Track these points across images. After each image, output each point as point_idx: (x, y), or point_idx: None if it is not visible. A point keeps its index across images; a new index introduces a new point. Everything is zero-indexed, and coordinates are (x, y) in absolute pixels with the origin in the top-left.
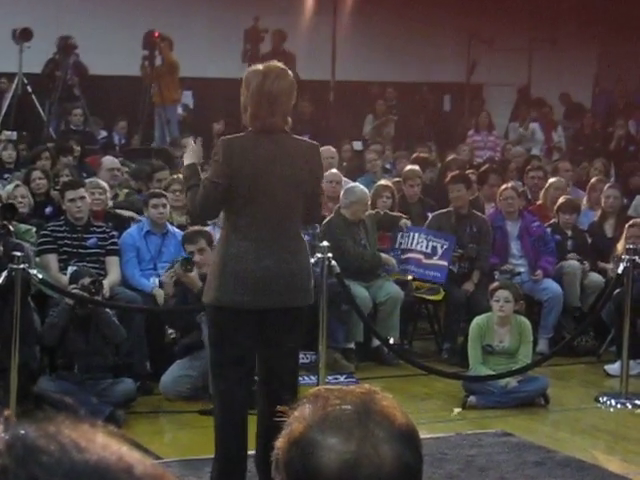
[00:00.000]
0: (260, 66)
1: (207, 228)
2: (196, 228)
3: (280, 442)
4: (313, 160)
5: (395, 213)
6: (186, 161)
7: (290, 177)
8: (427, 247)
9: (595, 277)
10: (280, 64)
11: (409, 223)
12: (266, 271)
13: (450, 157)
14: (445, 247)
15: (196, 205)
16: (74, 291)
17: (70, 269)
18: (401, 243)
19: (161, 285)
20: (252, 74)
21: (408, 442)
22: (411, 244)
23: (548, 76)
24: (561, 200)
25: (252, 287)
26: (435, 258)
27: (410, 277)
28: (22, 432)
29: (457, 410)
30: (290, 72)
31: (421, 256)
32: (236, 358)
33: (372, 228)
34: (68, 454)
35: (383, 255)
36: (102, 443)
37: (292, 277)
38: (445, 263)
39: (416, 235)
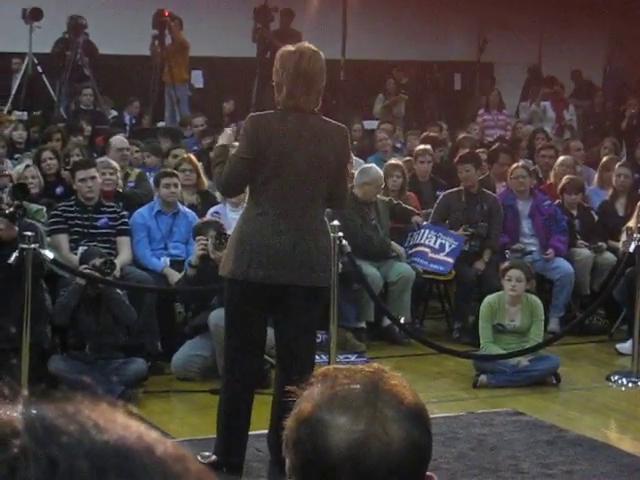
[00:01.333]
0: (292, 47)
1: (217, 207)
2: (205, 219)
3: (289, 421)
4: (340, 142)
5: (408, 207)
6: (219, 142)
7: (315, 157)
8: (435, 243)
9: (606, 255)
10: (312, 46)
11: (421, 220)
12: (282, 247)
13: (461, 136)
14: (453, 246)
15: (223, 180)
16: (85, 271)
17: (81, 249)
18: (410, 241)
19: (172, 264)
20: (288, 54)
21: (417, 421)
22: (420, 239)
23: (559, 55)
24: (564, 181)
25: (266, 262)
26: (442, 254)
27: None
28: (41, 412)
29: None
30: (322, 54)
31: (428, 250)
32: (245, 332)
33: (384, 212)
34: (88, 434)
35: (393, 243)
36: (122, 423)
37: (308, 256)
38: (451, 260)
39: (426, 232)
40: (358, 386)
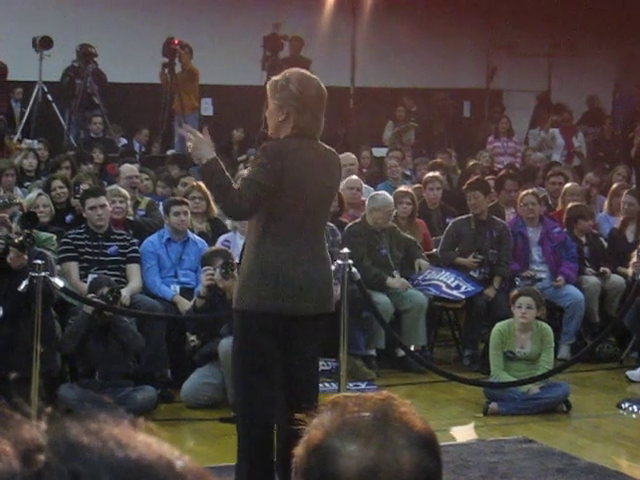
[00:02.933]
0: (303, 72)
1: (228, 235)
2: (214, 248)
3: (299, 450)
4: (338, 169)
5: (409, 236)
6: (205, 155)
7: (325, 184)
8: (453, 282)
9: (616, 278)
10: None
11: (425, 266)
12: (303, 277)
13: (471, 163)
14: (469, 289)
15: (242, 205)
16: (93, 299)
17: (90, 277)
18: (426, 275)
19: (182, 292)
20: (308, 79)
21: (427, 448)
22: (437, 276)
23: (568, 82)
24: (572, 209)
25: (291, 293)
26: (455, 291)
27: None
28: (64, 429)
29: None
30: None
31: (443, 284)
32: (266, 365)
33: (399, 243)
34: (110, 450)
35: (389, 280)
36: (143, 441)
37: (324, 283)
38: (462, 297)
39: (447, 273)
40: (368, 414)
